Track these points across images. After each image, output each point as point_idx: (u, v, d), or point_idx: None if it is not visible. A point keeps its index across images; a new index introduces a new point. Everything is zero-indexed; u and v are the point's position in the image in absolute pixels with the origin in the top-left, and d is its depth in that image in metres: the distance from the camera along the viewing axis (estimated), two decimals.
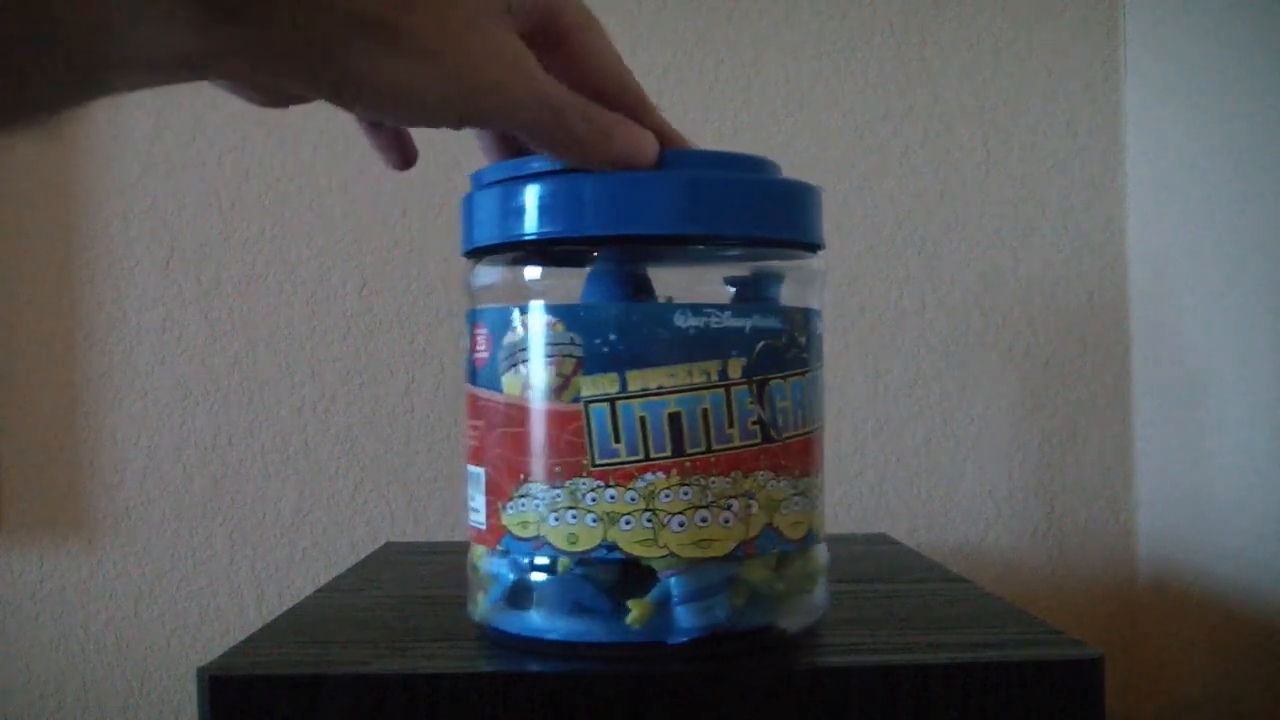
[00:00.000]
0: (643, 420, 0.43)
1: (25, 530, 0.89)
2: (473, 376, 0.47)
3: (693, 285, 0.46)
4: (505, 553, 0.46)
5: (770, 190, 0.46)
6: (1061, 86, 0.91)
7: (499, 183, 0.46)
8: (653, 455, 0.43)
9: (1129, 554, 0.90)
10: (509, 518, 0.45)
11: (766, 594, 0.46)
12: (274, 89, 0.38)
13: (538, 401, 0.45)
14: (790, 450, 0.46)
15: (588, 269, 0.46)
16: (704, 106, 0.90)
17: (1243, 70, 0.74)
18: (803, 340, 0.47)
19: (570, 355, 0.44)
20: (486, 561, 0.47)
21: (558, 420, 0.44)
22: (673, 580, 0.44)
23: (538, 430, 0.45)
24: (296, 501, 0.89)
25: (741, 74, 0.90)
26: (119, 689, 0.89)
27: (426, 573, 0.65)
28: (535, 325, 0.45)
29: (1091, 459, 0.90)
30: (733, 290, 0.47)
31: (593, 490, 0.44)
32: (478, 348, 0.47)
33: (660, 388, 0.43)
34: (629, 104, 0.44)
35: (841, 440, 0.90)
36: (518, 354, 0.45)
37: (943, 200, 0.91)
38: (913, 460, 0.90)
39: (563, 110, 0.40)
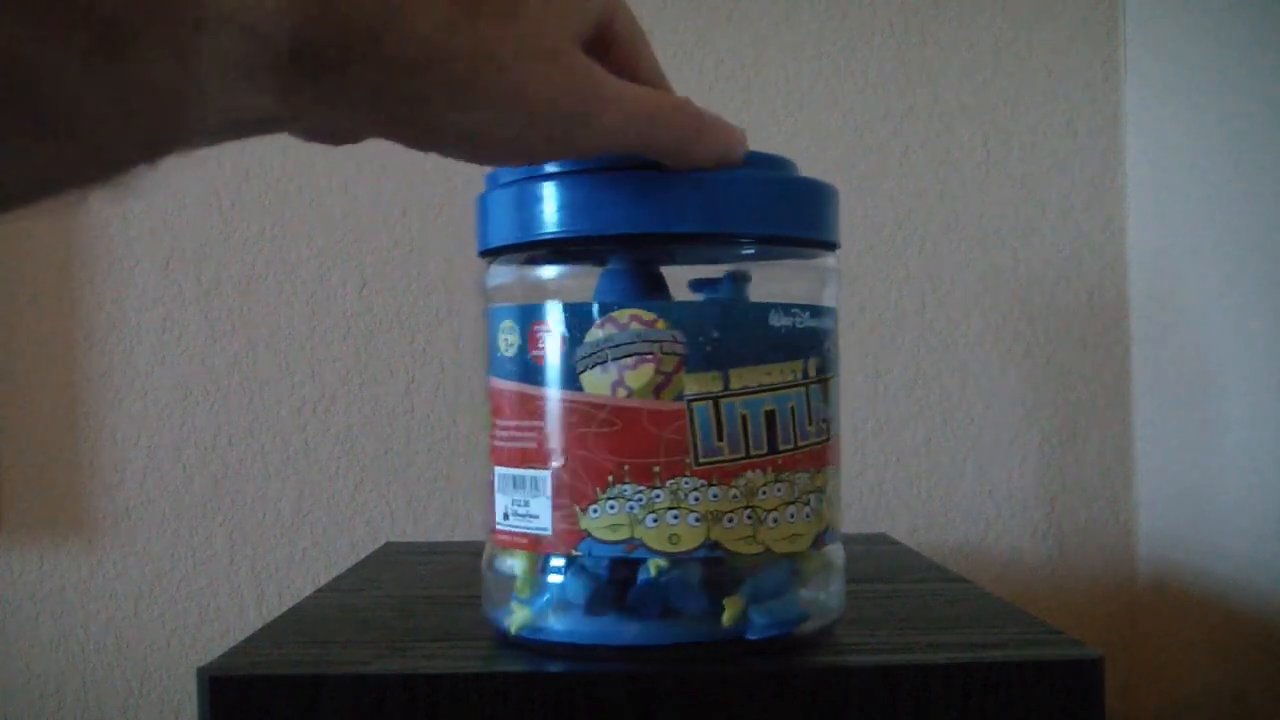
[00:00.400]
0: (743, 418, 0.44)
1: (25, 530, 0.89)
2: (529, 375, 0.45)
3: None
4: (572, 559, 0.44)
5: (786, 189, 0.46)
6: (1061, 86, 0.91)
7: (515, 183, 0.46)
8: (752, 453, 0.44)
9: (1129, 554, 0.90)
10: (592, 521, 0.44)
11: (819, 589, 0.48)
12: (348, 137, 0.38)
13: (635, 400, 0.44)
14: (836, 446, 0.49)
15: (601, 268, 0.46)
16: (704, 106, 0.90)
17: (1243, 70, 0.74)
18: (838, 340, 0.49)
19: (673, 353, 0.44)
20: (530, 567, 0.46)
21: (658, 419, 0.44)
22: (754, 578, 0.45)
23: (635, 430, 0.43)
24: (296, 501, 0.89)
25: (741, 74, 0.90)
26: (119, 689, 0.89)
27: (426, 573, 0.65)
28: (630, 322, 0.44)
29: (1091, 459, 0.90)
30: (701, 294, 0.47)
31: (696, 490, 0.44)
32: (539, 345, 0.45)
33: (760, 385, 0.44)
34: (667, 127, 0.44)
35: (841, 440, 0.90)
36: (605, 351, 0.44)
37: (943, 200, 0.91)
38: (913, 460, 0.90)
39: (652, 125, 0.40)
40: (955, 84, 0.91)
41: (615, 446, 0.44)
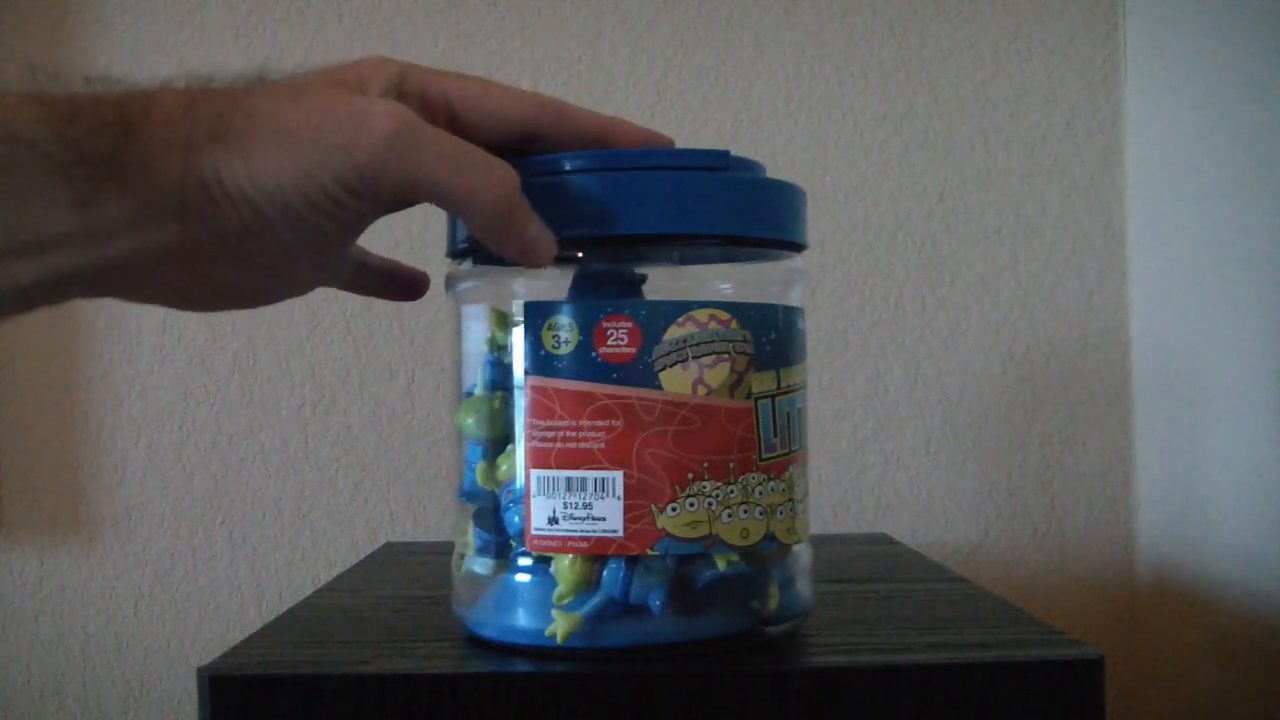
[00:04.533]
0: (788, 416, 0.46)
1: (25, 530, 0.89)
2: (595, 373, 0.44)
3: (674, 285, 0.47)
4: (635, 559, 0.44)
5: (753, 191, 0.46)
6: (1061, 86, 0.91)
7: None
8: (793, 448, 0.47)
9: (1129, 554, 0.90)
10: (670, 519, 0.44)
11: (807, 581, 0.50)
12: (194, 287, 0.38)
13: (712, 398, 0.44)
14: None
15: (562, 269, 0.46)
16: (704, 106, 0.90)
17: (1243, 70, 0.74)
18: None
19: (744, 353, 0.45)
20: (583, 570, 0.45)
21: (733, 417, 0.45)
22: (777, 569, 0.47)
23: (713, 427, 0.44)
24: (296, 501, 0.89)
25: (741, 74, 0.90)
26: (119, 689, 0.89)
27: (426, 573, 0.65)
28: (709, 321, 0.44)
29: (1091, 459, 0.90)
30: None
31: (760, 485, 0.45)
32: (613, 342, 0.44)
33: (796, 384, 0.47)
34: (549, 120, 0.44)
35: (841, 440, 0.90)
36: (686, 349, 0.44)
37: (943, 200, 0.91)
38: (913, 460, 0.90)
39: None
40: (955, 84, 0.91)
41: (696, 444, 0.44)
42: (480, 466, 0.47)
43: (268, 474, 0.89)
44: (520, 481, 0.45)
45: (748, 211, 0.45)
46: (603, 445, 0.44)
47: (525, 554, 0.45)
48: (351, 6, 0.90)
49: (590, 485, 0.44)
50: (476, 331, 0.48)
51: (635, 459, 0.44)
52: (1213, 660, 0.79)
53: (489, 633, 0.47)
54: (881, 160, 0.90)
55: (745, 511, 0.45)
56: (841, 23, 0.90)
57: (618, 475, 0.44)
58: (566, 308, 0.44)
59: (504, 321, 0.47)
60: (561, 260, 0.44)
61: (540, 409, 0.44)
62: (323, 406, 0.89)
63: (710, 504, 0.44)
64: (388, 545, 0.79)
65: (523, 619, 0.45)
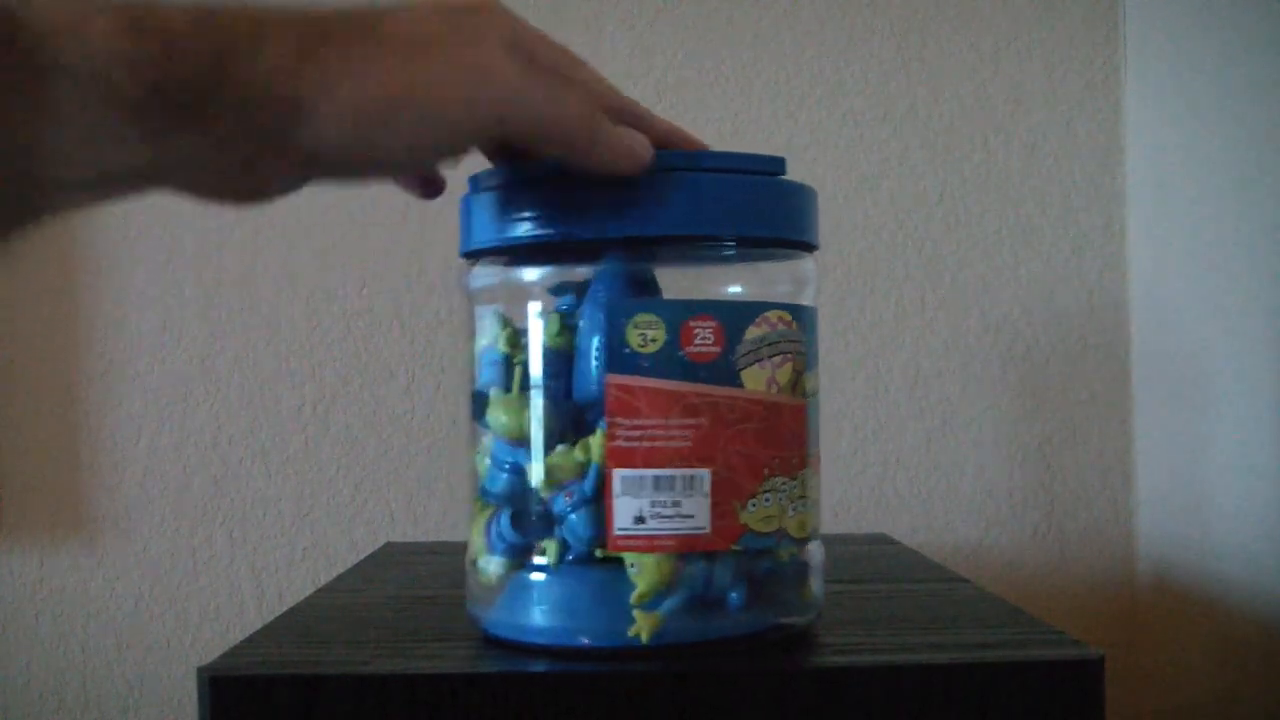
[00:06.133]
0: (817, 414, 0.49)
1: (25, 530, 0.89)
2: (684, 372, 0.44)
3: (692, 284, 0.47)
4: (713, 555, 0.45)
5: (766, 192, 0.46)
6: (1061, 86, 0.91)
7: (499, 186, 0.46)
8: (819, 446, 0.50)
9: (1129, 554, 0.90)
10: (750, 515, 0.45)
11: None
12: (236, 189, 0.38)
13: (781, 396, 0.46)
14: None
15: (575, 269, 0.46)
16: (704, 106, 0.90)
17: (1243, 70, 0.74)
18: None
19: (803, 353, 0.47)
20: (660, 569, 0.44)
21: (796, 414, 0.47)
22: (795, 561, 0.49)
23: (781, 424, 0.46)
24: (296, 501, 0.89)
25: (741, 74, 0.90)
26: (119, 689, 0.89)
27: (426, 573, 0.65)
28: (778, 322, 0.46)
29: (1091, 459, 0.90)
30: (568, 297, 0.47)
31: (811, 479, 0.48)
32: (695, 342, 0.44)
33: (816, 386, 0.49)
34: (626, 122, 0.44)
35: (841, 440, 0.90)
36: (763, 349, 0.45)
37: (943, 200, 0.91)
38: (913, 460, 0.90)
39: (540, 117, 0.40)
40: (955, 84, 0.91)
41: (770, 441, 0.45)
42: (536, 467, 0.46)
43: (268, 474, 0.89)
44: (590, 483, 0.44)
45: (756, 214, 0.45)
46: (690, 443, 0.44)
47: (593, 555, 0.45)
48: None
49: (678, 483, 0.44)
50: (492, 330, 0.48)
51: (721, 456, 0.44)
52: (1213, 660, 0.79)
53: (545, 639, 0.45)
54: (881, 160, 0.90)
55: (804, 505, 0.47)
56: (841, 23, 0.90)
57: (705, 473, 0.44)
58: (654, 306, 0.45)
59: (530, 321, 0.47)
60: (575, 260, 0.45)
61: (624, 407, 0.44)
62: (323, 406, 0.89)
63: (781, 499, 0.46)
64: (388, 545, 0.79)
65: (600, 621, 0.45)
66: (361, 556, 0.79)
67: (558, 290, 0.47)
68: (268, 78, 0.33)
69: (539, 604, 0.46)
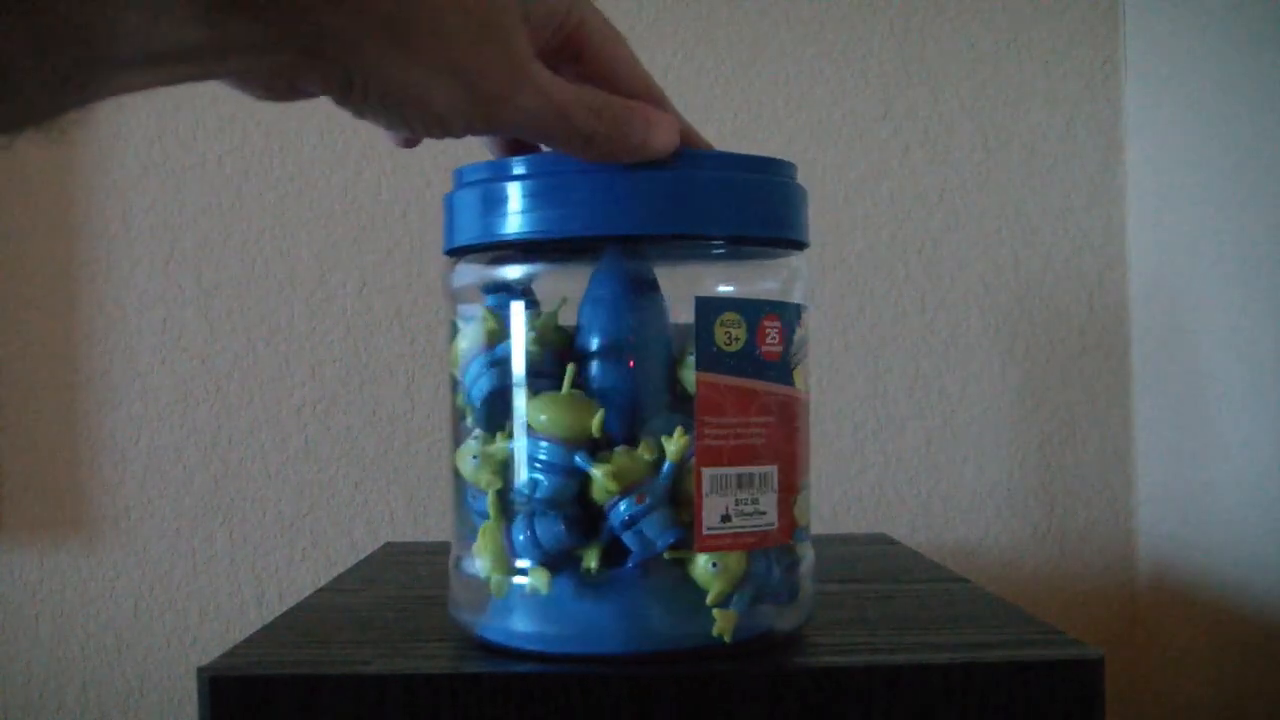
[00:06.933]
0: None
1: (25, 530, 0.89)
2: (758, 371, 0.45)
3: (683, 282, 0.47)
4: (767, 551, 0.46)
5: (755, 190, 0.46)
6: (1061, 86, 0.91)
7: (483, 182, 0.45)
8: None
9: (1129, 554, 0.90)
10: (799, 510, 0.47)
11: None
12: (279, 85, 0.38)
13: (811, 395, 0.49)
14: None
15: (556, 267, 0.46)
16: (704, 106, 0.90)
17: (1243, 70, 0.74)
18: None
19: (807, 354, 0.48)
20: (738, 567, 0.44)
21: (808, 412, 0.49)
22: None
23: (807, 422, 0.48)
24: (296, 501, 0.89)
25: (741, 74, 0.90)
26: (119, 689, 0.89)
27: (426, 573, 0.65)
28: (806, 322, 0.48)
29: (1091, 459, 0.90)
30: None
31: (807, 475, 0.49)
32: (767, 341, 0.45)
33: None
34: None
35: (841, 440, 0.90)
36: (804, 350, 0.47)
37: (943, 200, 0.91)
38: (913, 460, 0.90)
39: (568, 113, 0.40)
40: (955, 84, 0.91)
41: (806, 438, 0.48)
42: (600, 471, 0.43)
43: (268, 474, 0.89)
44: (664, 483, 0.44)
45: (747, 211, 0.45)
46: (763, 440, 0.45)
47: (658, 560, 0.44)
48: None
49: (755, 481, 0.45)
50: (475, 330, 0.47)
51: (781, 454, 0.46)
52: (1213, 660, 0.79)
53: (614, 646, 0.44)
54: (881, 160, 0.90)
55: (808, 500, 0.49)
56: (841, 23, 0.90)
57: (773, 470, 0.45)
58: (738, 304, 0.44)
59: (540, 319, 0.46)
60: (577, 256, 0.45)
61: (711, 406, 0.44)
62: (323, 406, 0.89)
63: (810, 494, 0.49)
64: (388, 545, 0.79)
65: (680, 624, 0.44)
66: (361, 556, 0.79)
67: (491, 289, 0.46)
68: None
69: (590, 613, 0.44)
